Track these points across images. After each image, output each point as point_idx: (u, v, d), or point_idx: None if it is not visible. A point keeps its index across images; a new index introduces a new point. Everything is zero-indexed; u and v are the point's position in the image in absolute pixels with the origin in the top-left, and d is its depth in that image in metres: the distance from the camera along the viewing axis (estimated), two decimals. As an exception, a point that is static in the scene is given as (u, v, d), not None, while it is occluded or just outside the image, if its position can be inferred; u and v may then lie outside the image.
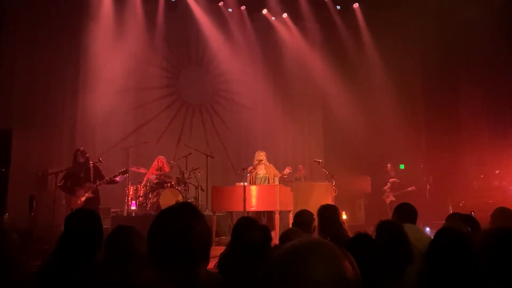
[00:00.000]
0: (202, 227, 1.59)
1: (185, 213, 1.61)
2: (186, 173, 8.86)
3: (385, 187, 10.09)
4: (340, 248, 0.98)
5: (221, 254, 2.95)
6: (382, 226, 2.81)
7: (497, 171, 9.47)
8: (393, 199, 9.62)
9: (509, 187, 9.11)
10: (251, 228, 2.41)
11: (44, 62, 9.27)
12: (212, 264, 2.92)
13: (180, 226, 1.55)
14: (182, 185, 8.67)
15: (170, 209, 1.66)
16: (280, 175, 8.00)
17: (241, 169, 7.66)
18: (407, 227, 3.14)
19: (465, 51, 10.51)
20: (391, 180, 10.05)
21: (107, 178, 7.45)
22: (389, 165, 10.27)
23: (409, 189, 9.77)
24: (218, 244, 7.07)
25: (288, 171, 7.99)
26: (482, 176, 9.54)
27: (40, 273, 2.44)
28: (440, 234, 1.98)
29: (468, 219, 3.55)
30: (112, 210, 8.53)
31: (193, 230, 1.55)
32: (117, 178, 7.56)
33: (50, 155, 8.98)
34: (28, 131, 8.83)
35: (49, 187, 8.11)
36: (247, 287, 1.49)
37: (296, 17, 11.95)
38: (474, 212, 4.20)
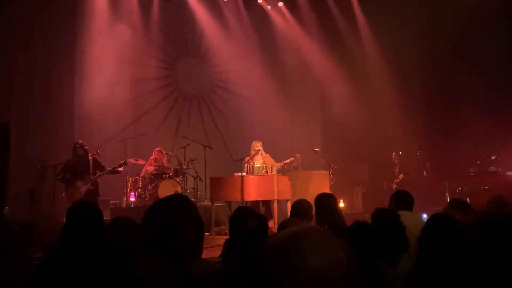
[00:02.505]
0: (193, 219, 1.62)
1: (176, 205, 1.65)
2: (185, 164, 8.89)
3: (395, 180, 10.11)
4: (336, 236, 1.01)
5: (224, 243, 2.99)
6: (378, 214, 2.84)
7: (493, 157, 9.51)
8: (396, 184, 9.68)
9: (505, 173, 9.16)
10: (248, 217, 2.45)
11: (40, 55, 9.22)
12: (218, 253, 2.96)
13: (170, 218, 1.59)
14: (181, 176, 8.70)
15: (162, 201, 1.70)
16: (281, 164, 8.02)
17: (238, 159, 7.66)
18: (404, 214, 3.17)
19: (462, 37, 10.49)
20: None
21: (108, 168, 7.48)
22: (393, 153, 10.28)
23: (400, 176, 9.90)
24: (218, 233, 7.13)
25: (289, 161, 8.08)
26: (478, 162, 9.58)
27: (41, 265, 2.48)
28: (431, 220, 2.03)
29: (463, 206, 3.60)
30: (111, 201, 8.58)
31: (182, 222, 1.59)
32: (120, 168, 7.60)
33: (48, 147, 8.98)
34: (26, 124, 8.83)
35: (48, 180, 8.14)
36: (245, 276, 1.52)
37: (292, 5, 11.90)
38: (469, 199, 4.27)
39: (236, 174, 7.34)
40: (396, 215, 2.86)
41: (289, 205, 6.94)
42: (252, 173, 7.67)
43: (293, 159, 8.61)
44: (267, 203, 7.49)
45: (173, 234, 1.56)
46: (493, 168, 9.41)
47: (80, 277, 2.24)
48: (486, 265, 1.39)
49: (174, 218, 1.59)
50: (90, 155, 7.51)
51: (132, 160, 8.67)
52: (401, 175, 9.98)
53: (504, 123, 9.84)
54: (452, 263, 1.66)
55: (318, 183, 8.34)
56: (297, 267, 0.87)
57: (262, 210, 7.52)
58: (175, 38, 11.41)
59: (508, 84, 10.20)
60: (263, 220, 2.48)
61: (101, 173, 7.43)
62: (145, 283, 1.50)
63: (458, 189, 9.15)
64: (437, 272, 1.67)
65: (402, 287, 1.96)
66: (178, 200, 1.68)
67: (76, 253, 2.37)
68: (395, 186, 9.75)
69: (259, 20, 11.88)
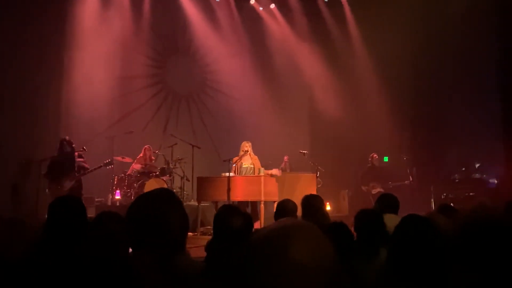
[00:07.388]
0: (177, 213, 1.60)
1: (160, 199, 1.62)
2: (172, 163, 8.84)
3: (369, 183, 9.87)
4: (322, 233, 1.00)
5: (207, 242, 2.97)
6: (360, 214, 2.95)
7: (477, 165, 9.63)
8: (381, 190, 9.44)
9: (489, 180, 9.28)
10: (232, 215, 2.44)
11: (28, 48, 9.10)
12: (202, 253, 2.94)
13: (155, 212, 1.56)
14: (168, 175, 8.65)
15: (147, 195, 1.68)
16: (269, 173, 8.00)
17: (227, 159, 7.60)
18: (389, 217, 3.21)
19: (450, 45, 10.61)
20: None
21: (91, 169, 7.39)
22: (375, 155, 10.10)
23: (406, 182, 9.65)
24: (204, 233, 7.09)
25: (275, 172, 8.05)
26: (463, 169, 9.69)
27: (23, 262, 2.44)
28: (403, 220, 2.08)
29: (450, 211, 3.64)
30: (96, 199, 8.49)
31: (168, 217, 1.56)
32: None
33: (33, 143, 8.84)
34: (10, 119, 8.69)
35: (32, 176, 8.02)
36: (230, 272, 1.51)
37: (284, 8, 11.94)
38: (454, 205, 4.32)
39: (223, 174, 7.32)
40: (376, 212, 2.96)
41: (275, 206, 6.92)
42: (240, 174, 7.65)
43: (278, 170, 8.53)
44: (254, 204, 7.47)
45: (159, 229, 1.54)
46: (477, 175, 9.52)
47: (64, 272, 2.21)
48: (466, 269, 1.40)
49: (159, 213, 1.56)
50: (76, 152, 7.42)
51: (119, 158, 8.60)
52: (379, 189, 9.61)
53: (489, 131, 9.97)
54: (423, 261, 1.71)
55: (305, 186, 8.35)
56: (283, 262, 0.86)
57: (248, 210, 7.50)
58: (165, 36, 11.36)
59: (493, 91, 10.34)
60: (247, 218, 2.47)
61: (86, 172, 7.34)
62: (130, 278, 1.48)
63: (443, 195, 9.23)
64: (407, 270, 1.72)
65: (377, 281, 2.01)
66: (164, 195, 1.66)
67: (59, 249, 2.34)
68: (377, 190, 9.63)
69: (251, 21, 11.90)
